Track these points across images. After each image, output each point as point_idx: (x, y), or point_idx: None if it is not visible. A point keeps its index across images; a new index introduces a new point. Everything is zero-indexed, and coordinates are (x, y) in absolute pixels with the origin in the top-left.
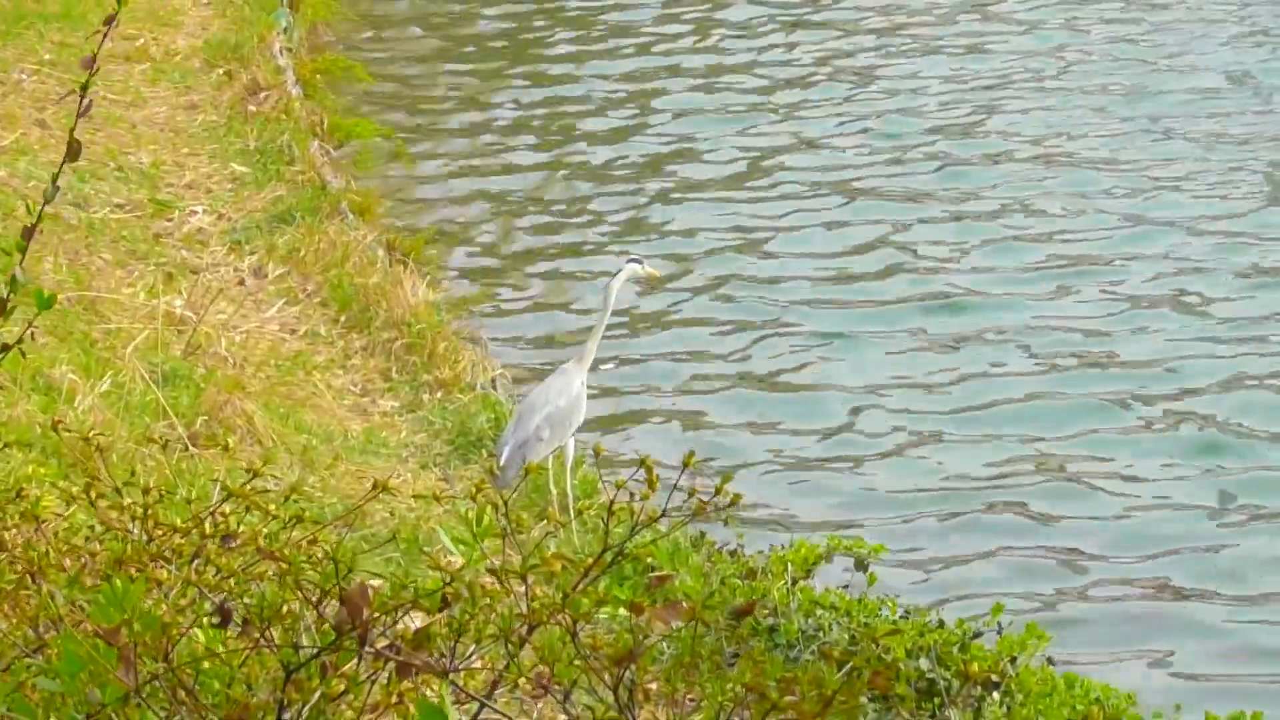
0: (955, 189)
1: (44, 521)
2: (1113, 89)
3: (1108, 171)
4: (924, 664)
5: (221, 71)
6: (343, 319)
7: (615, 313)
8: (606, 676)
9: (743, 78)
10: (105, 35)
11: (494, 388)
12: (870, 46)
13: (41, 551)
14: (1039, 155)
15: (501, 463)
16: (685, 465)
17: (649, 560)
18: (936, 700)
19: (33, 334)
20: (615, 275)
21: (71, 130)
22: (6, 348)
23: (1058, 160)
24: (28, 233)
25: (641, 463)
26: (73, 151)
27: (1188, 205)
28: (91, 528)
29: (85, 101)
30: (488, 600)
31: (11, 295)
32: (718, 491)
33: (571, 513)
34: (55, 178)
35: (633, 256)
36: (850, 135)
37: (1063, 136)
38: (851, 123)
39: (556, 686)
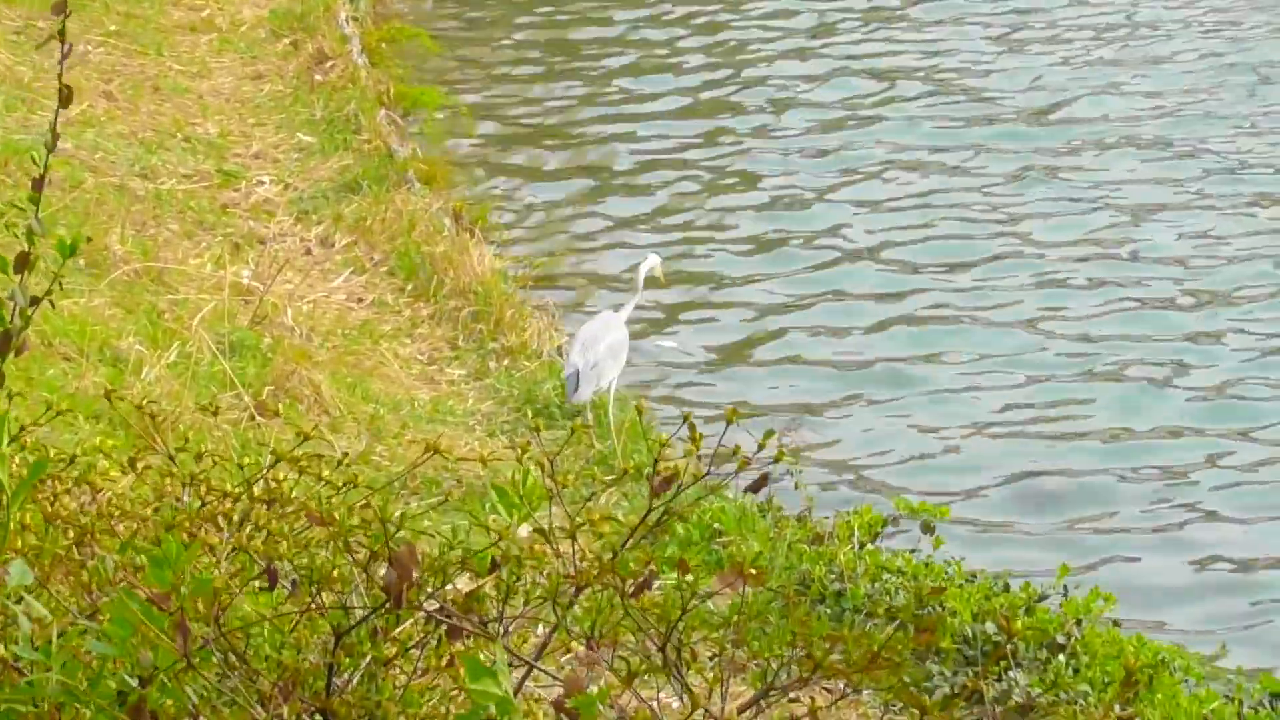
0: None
1: (99, 489)
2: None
3: None
4: (990, 627)
5: (287, 41)
6: (409, 288)
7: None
8: (655, 636)
9: (840, 62)
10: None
11: (560, 355)
12: None
13: (93, 517)
14: None
15: (578, 381)
16: (729, 421)
17: (715, 525)
18: (1004, 663)
19: (60, 284)
20: (642, 263)
21: (60, 75)
22: (36, 300)
23: None
24: (38, 183)
25: (684, 419)
26: (64, 98)
27: None
28: (155, 497)
29: (66, 46)
30: (534, 561)
31: (31, 248)
32: (761, 445)
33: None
34: (54, 126)
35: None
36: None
37: None
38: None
39: (605, 645)
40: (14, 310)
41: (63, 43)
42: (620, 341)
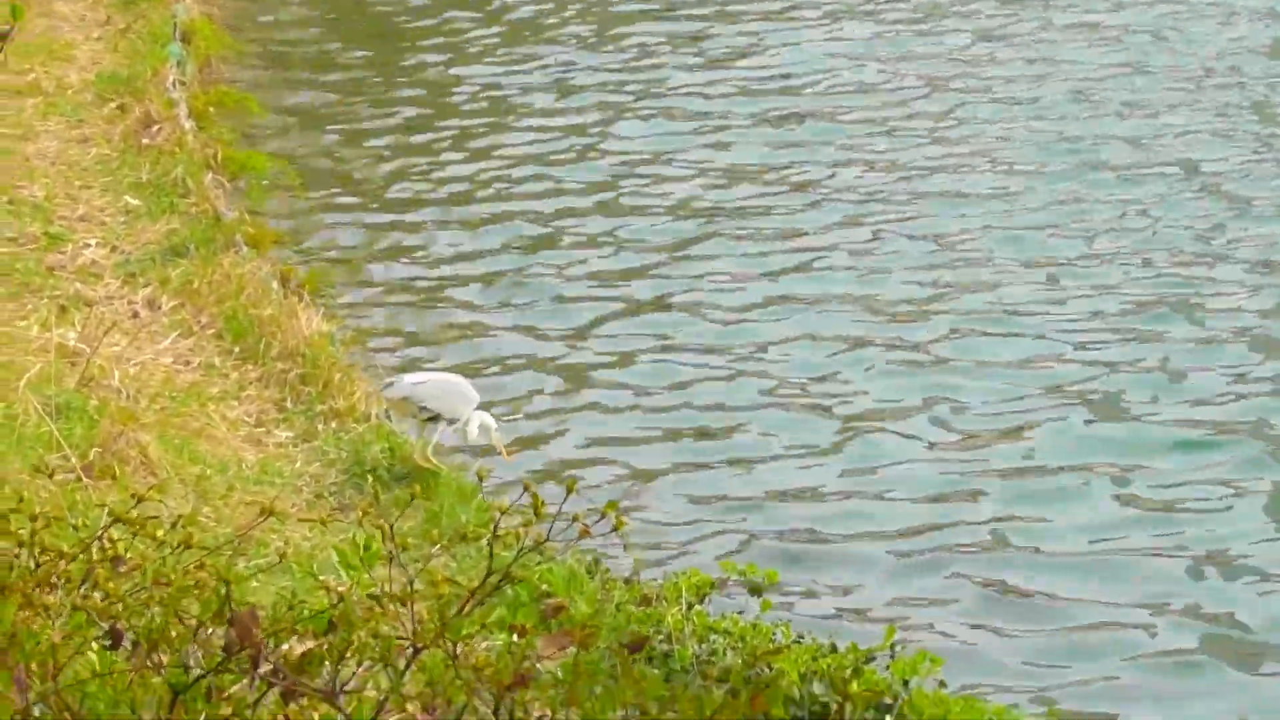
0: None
1: None
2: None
3: None
4: (817, 688)
5: (114, 105)
6: (237, 350)
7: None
8: (489, 698)
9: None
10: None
11: (388, 418)
12: None
13: None
14: None
15: (394, 384)
16: (568, 491)
17: (544, 587)
18: None
19: None
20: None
21: None
22: None
23: None
24: None
25: (525, 488)
26: None
27: None
28: None
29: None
30: (371, 623)
31: None
32: (602, 516)
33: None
34: None
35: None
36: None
37: None
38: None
39: (441, 708)
40: None
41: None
42: (459, 390)
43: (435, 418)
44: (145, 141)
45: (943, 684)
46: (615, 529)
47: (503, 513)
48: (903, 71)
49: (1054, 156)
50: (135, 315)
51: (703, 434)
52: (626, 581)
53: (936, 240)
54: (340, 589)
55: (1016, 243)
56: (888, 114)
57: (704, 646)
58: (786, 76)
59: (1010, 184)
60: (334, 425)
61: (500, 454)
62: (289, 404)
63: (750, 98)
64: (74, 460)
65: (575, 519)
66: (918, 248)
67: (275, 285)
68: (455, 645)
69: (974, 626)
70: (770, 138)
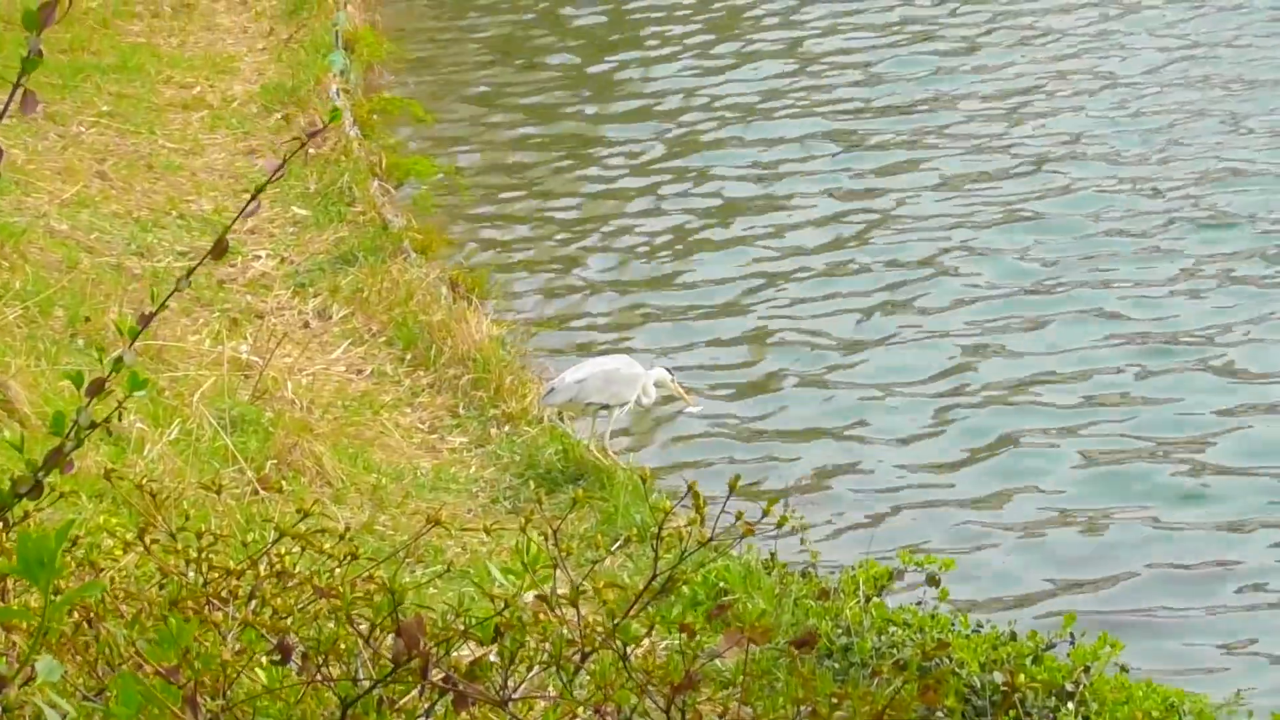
0: None
1: (102, 568)
2: None
3: None
4: (997, 677)
5: (279, 116)
6: (408, 357)
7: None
8: (660, 700)
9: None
10: None
11: (561, 419)
12: None
13: (98, 597)
14: None
15: (554, 389)
16: (731, 489)
17: (720, 584)
18: (1013, 712)
19: (120, 414)
20: (650, 371)
21: (225, 230)
22: (95, 425)
23: None
24: (144, 319)
25: (690, 488)
26: (220, 249)
27: None
28: (159, 574)
29: (253, 204)
30: (539, 628)
31: (112, 375)
32: (765, 513)
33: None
34: (190, 272)
35: (668, 367)
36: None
37: None
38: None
39: (612, 711)
40: (72, 428)
41: (253, 199)
42: (621, 374)
43: (606, 406)
44: (311, 151)
45: (1124, 669)
46: (779, 525)
47: (666, 514)
48: None
49: None
50: (306, 325)
51: (871, 429)
52: (804, 575)
53: None
54: (506, 596)
55: None
56: None
57: (883, 638)
58: None
59: None
60: (507, 429)
61: (684, 401)
62: (462, 409)
63: None
64: (249, 474)
65: (738, 517)
66: None
67: (444, 290)
68: (625, 647)
69: (1154, 608)
70: None
